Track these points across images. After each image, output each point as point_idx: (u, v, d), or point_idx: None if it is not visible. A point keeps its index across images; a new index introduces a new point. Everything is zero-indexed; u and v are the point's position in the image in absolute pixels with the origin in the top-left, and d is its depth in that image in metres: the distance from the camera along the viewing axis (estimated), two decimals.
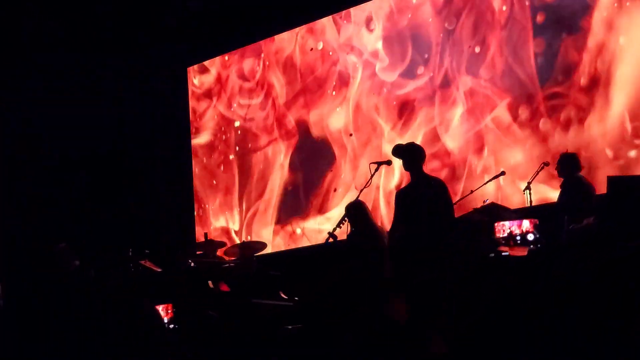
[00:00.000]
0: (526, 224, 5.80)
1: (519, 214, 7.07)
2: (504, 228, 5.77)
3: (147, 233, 9.37)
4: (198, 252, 8.17)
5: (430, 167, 8.15)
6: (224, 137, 10.56)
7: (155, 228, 9.69)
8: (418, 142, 7.48)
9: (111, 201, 9.95)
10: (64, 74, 10.02)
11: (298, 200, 9.72)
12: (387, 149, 8.19)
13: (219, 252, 8.41)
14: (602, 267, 5.25)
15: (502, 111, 8.38)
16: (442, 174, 8.37)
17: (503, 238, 5.77)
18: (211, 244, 8.24)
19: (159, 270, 7.75)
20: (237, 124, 10.44)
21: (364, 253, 6.63)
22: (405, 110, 8.93)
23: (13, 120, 9.85)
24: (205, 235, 8.21)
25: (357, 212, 6.85)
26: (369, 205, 7.53)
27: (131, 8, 9.93)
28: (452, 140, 8.62)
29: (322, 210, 9.49)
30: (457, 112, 8.61)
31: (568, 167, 7.21)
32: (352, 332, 5.13)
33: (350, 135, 9.34)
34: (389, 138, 8.99)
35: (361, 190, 6.63)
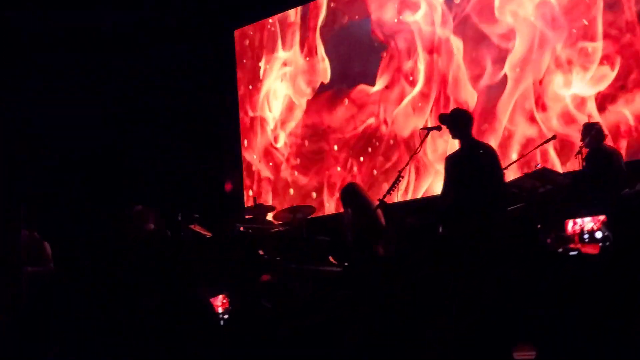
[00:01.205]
0: (594, 221, 5.83)
1: (570, 178, 7.09)
2: (575, 225, 5.81)
3: (196, 197, 9.50)
4: (247, 217, 8.26)
5: None
6: None
7: (205, 192, 9.82)
8: None
9: (158, 166, 10.11)
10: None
11: None
12: None
13: (268, 217, 8.52)
14: None
15: None
16: None
17: (575, 234, 5.81)
18: (260, 208, 8.34)
19: (209, 234, 7.92)
20: None
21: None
22: None
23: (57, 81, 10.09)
24: (254, 199, 8.29)
25: (351, 196, 7.04)
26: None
27: None
28: None
29: None
30: None
31: (592, 137, 7.17)
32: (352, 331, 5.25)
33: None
34: None
35: (412, 156, 6.65)
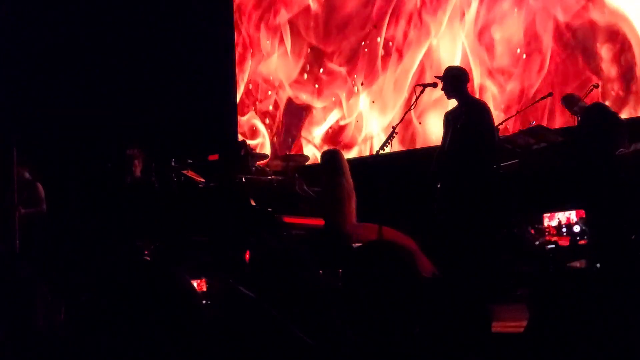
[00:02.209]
0: (572, 215, 5.97)
1: (565, 136, 7.15)
2: (552, 219, 5.95)
3: (189, 143, 9.53)
4: (239, 163, 8.29)
5: None
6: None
7: (197, 138, 9.85)
8: None
9: (154, 109, 10.12)
10: None
11: None
12: None
13: (261, 164, 8.57)
14: None
15: None
16: None
17: (552, 227, 5.96)
18: (252, 156, 8.38)
19: (202, 180, 7.99)
20: None
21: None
22: None
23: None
24: (244, 142, 8.31)
25: (332, 161, 7.05)
26: None
27: None
28: None
29: None
30: None
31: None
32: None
33: None
34: None
35: (406, 113, 6.69)
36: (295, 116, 10.09)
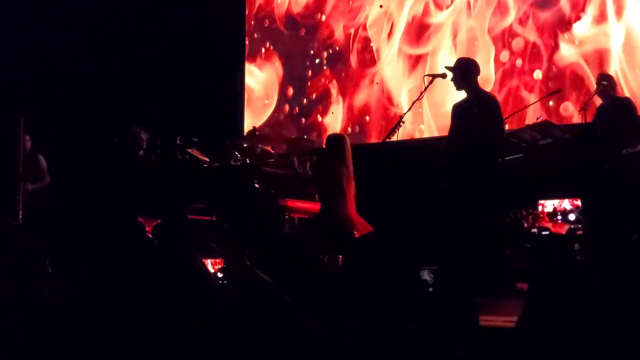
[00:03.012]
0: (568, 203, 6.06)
1: (571, 133, 7.20)
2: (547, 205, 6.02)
3: (195, 122, 9.58)
4: (245, 145, 8.37)
5: None
6: None
7: (204, 117, 9.90)
8: None
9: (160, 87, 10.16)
10: None
11: None
12: None
13: (266, 146, 8.61)
14: None
15: None
16: None
17: (547, 214, 6.03)
18: (258, 138, 8.42)
19: (206, 159, 8.07)
20: None
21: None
22: None
23: None
24: (254, 128, 8.37)
25: (336, 146, 7.08)
26: None
27: None
28: None
29: None
30: None
31: (604, 86, 7.15)
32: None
33: None
34: None
35: (414, 102, 6.73)
36: None
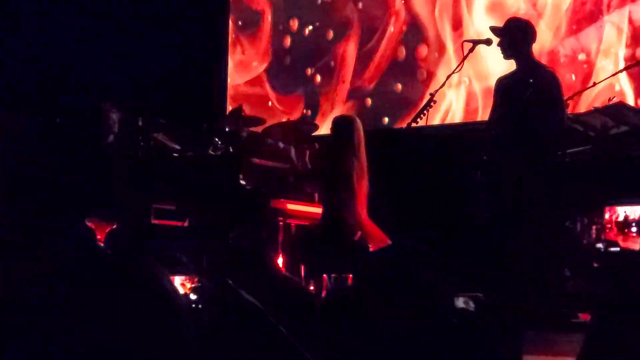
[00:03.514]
0: None
1: None
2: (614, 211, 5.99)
3: (163, 96, 9.59)
4: (227, 129, 8.35)
5: None
6: None
7: (175, 91, 9.91)
8: None
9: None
10: None
11: None
12: None
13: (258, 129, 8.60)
14: None
15: None
16: None
17: (616, 224, 5.99)
18: (245, 119, 8.40)
19: (176, 148, 8.05)
20: None
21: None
22: None
23: None
24: (240, 107, 8.33)
25: (345, 131, 7.09)
26: None
27: None
28: None
29: None
30: None
31: None
32: None
33: None
34: None
35: (449, 75, 6.72)
36: None
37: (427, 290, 2.41)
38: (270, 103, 10.61)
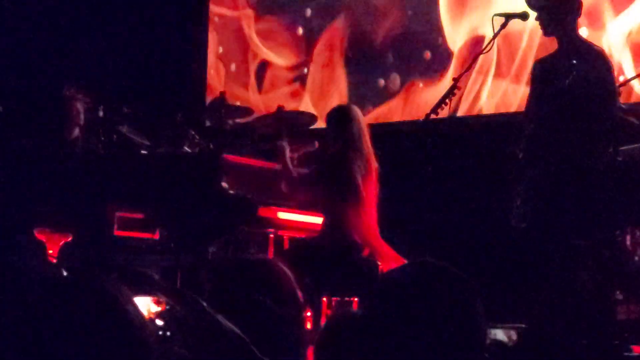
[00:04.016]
0: None
1: None
2: None
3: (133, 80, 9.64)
4: (207, 121, 8.36)
5: None
6: None
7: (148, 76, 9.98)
8: None
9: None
10: None
11: None
12: None
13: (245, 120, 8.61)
14: None
15: None
16: None
17: None
18: (229, 109, 8.38)
19: (145, 143, 8.03)
20: None
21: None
22: None
23: None
24: (222, 95, 8.34)
25: (342, 123, 7.13)
26: None
27: None
28: None
29: None
30: None
31: None
32: None
33: None
34: None
35: (475, 58, 6.70)
36: None
37: (457, 321, 2.36)
38: None
